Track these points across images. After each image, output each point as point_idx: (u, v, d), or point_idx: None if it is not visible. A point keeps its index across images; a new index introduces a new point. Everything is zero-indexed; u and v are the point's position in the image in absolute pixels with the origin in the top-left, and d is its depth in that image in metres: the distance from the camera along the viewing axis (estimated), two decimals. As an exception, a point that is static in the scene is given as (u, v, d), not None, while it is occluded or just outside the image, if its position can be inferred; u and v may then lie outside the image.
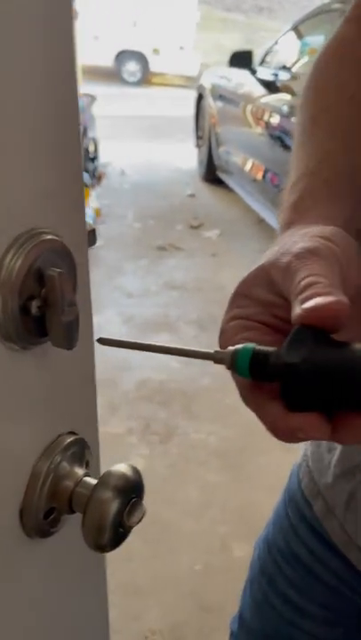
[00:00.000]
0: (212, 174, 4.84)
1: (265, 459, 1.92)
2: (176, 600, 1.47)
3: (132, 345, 0.34)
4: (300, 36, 3.78)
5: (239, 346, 0.30)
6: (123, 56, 11.69)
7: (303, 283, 0.29)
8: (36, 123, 0.29)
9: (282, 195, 0.41)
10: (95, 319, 0.37)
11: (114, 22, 11.09)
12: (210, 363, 0.32)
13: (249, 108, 3.96)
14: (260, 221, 3.91)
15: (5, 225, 0.29)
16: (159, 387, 2.28)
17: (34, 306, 0.30)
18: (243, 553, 1.58)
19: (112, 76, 11.36)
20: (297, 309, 0.28)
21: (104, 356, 2.41)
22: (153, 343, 0.33)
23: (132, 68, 11.86)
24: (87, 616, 0.50)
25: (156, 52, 11.64)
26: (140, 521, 0.36)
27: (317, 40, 3.66)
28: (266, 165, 3.59)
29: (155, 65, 11.81)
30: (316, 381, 0.26)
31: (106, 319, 2.73)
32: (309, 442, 0.59)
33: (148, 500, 0.38)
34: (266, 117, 3.59)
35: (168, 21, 11.12)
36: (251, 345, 0.29)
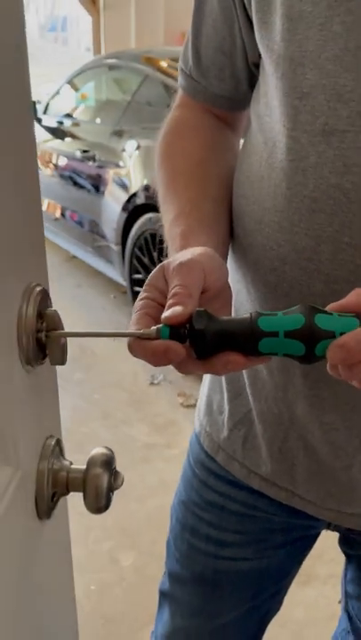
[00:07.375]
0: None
1: (129, 474, 2.05)
2: (80, 622, 1.53)
3: (76, 334, 0.47)
4: (75, 87, 4.12)
5: (159, 325, 0.46)
6: None
7: (172, 291, 0.47)
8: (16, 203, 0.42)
9: (165, 227, 0.61)
10: None
11: None
12: None
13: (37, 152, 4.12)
14: (72, 258, 4.05)
15: (18, 284, 0.41)
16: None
17: (42, 337, 0.43)
18: (130, 560, 1.70)
19: None
20: (164, 313, 0.46)
21: None
22: (93, 331, 0.51)
23: None
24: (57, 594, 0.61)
25: None
26: (122, 483, 0.50)
27: (88, 87, 4.06)
28: (62, 204, 3.78)
29: None
30: (212, 338, 0.46)
31: None
32: (202, 414, 0.77)
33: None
34: (54, 160, 3.79)
35: None
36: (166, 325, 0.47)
